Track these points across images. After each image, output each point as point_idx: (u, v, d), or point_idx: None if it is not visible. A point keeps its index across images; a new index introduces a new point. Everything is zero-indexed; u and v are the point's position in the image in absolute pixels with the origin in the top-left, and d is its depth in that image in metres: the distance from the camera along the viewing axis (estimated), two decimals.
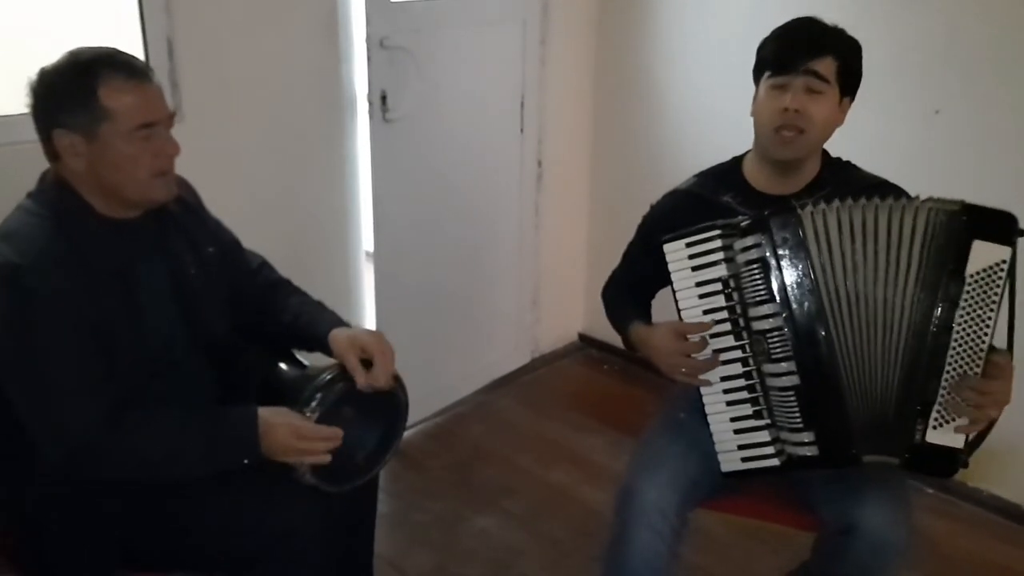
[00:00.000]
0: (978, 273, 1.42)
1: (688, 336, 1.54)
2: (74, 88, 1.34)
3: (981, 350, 1.44)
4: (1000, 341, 1.49)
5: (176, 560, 1.53)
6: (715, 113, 2.75)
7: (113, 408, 1.36)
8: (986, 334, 1.43)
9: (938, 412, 1.47)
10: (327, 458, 1.43)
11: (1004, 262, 1.41)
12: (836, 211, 1.46)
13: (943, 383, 1.45)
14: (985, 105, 2.28)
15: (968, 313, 1.43)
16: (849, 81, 1.61)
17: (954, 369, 1.45)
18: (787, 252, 1.46)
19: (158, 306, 1.47)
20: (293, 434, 1.40)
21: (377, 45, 2.33)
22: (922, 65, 2.34)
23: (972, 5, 2.24)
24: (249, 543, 1.46)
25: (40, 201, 1.41)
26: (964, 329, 1.43)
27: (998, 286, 1.42)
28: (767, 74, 1.61)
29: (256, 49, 2.22)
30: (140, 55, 2.01)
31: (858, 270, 1.46)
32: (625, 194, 3.06)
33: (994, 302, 1.42)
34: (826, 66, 1.57)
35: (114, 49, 1.40)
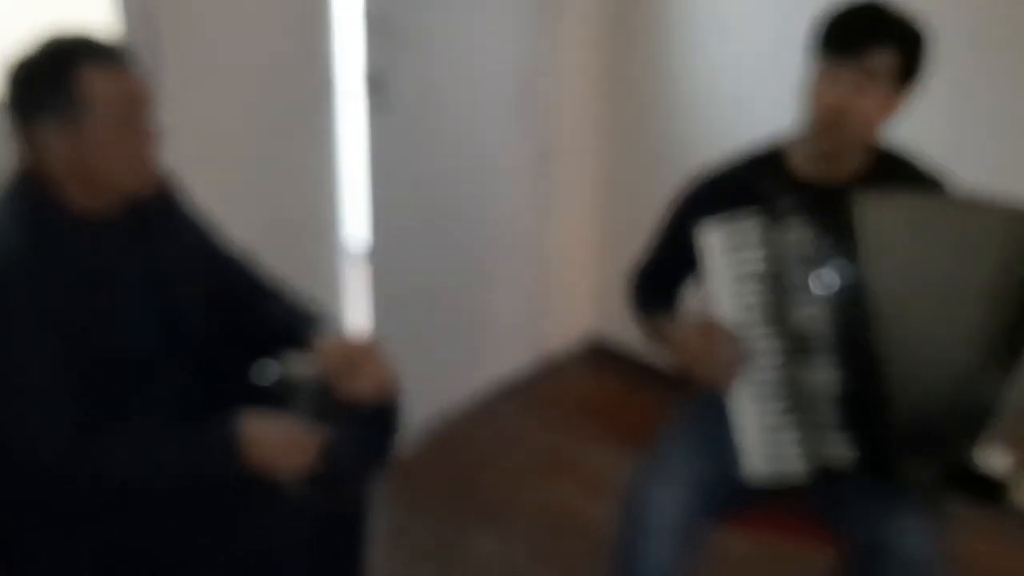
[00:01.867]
0: None
1: (722, 339, 1.49)
2: (53, 79, 1.32)
3: None
4: None
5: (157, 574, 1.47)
6: (730, 97, 2.66)
7: (86, 417, 1.34)
8: None
9: (995, 439, 1.42)
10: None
11: None
12: (897, 206, 1.41)
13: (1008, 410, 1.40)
14: (1004, 90, 2.19)
15: None
16: (908, 75, 1.52)
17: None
18: (836, 250, 1.41)
19: (135, 307, 1.46)
20: (282, 438, 1.39)
21: (375, 30, 2.24)
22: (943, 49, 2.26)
23: None
24: (235, 559, 1.43)
25: (12, 195, 1.38)
26: None
27: None
28: (818, 55, 1.53)
29: (243, 29, 2.13)
30: (120, 31, 1.92)
31: (917, 271, 1.40)
32: (639, 192, 2.95)
33: None
34: (884, 60, 1.47)
35: (91, 35, 1.38)
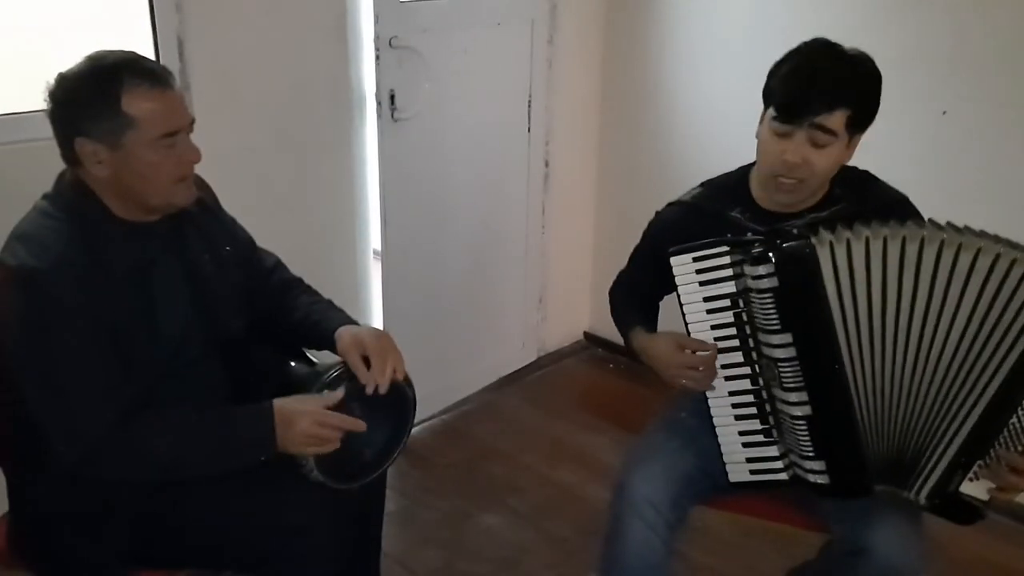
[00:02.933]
0: None
1: (691, 350, 1.51)
2: (97, 96, 1.33)
3: None
4: None
5: (186, 557, 1.54)
6: (724, 115, 2.75)
7: (127, 410, 1.35)
8: None
9: (979, 467, 1.40)
10: (336, 444, 1.43)
11: None
12: (864, 240, 1.35)
13: (999, 442, 1.38)
14: (992, 106, 2.27)
15: None
16: (862, 123, 1.50)
17: (1013, 434, 1.37)
18: (800, 283, 1.37)
19: (174, 307, 1.47)
20: (315, 422, 1.40)
21: (386, 45, 2.34)
22: (929, 66, 2.32)
23: (977, 5, 2.23)
24: (259, 540, 1.47)
25: (57, 204, 1.40)
26: None
27: None
28: (771, 113, 1.50)
29: (266, 48, 2.23)
30: (151, 54, 2.03)
31: (888, 302, 1.36)
32: (632, 194, 3.06)
33: None
34: (835, 120, 1.45)
35: (135, 54, 1.39)
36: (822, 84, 1.45)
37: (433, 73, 2.49)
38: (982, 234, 1.35)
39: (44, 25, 2.06)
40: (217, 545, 1.50)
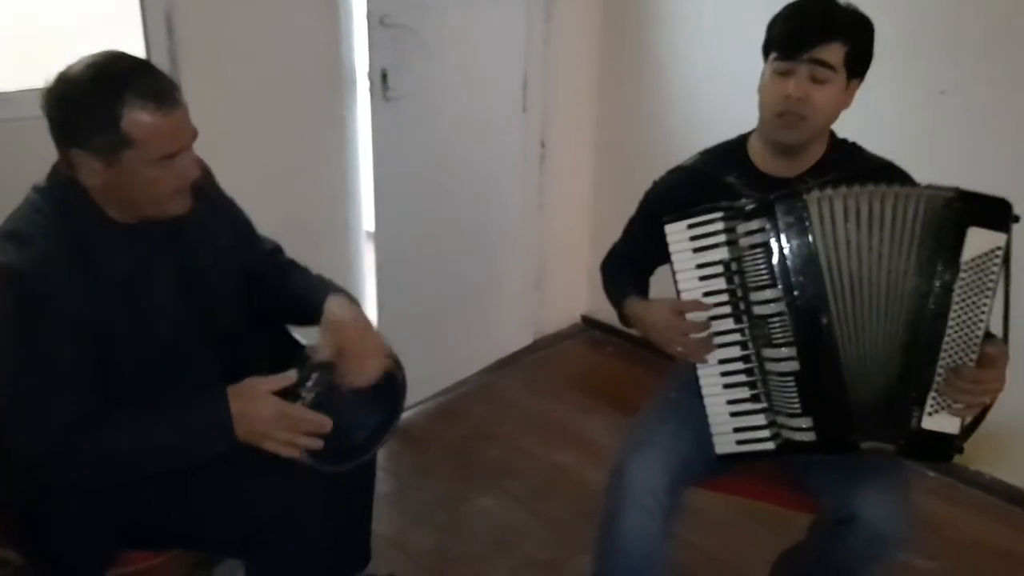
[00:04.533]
0: (973, 260, 1.40)
1: (686, 314, 1.53)
2: (97, 112, 1.27)
3: (976, 337, 1.43)
4: (996, 327, 1.48)
5: (176, 538, 1.54)
6: (723, 92, 2.73)
7: (81, 415, 1.33)
8: (982, 321, 1.42)
9: (934, 399, 1.47)
10: (318, 443, 1.40)
11: (999, 249, 1.40)
12: (843, 197, 1.43)
13: (939, 370, 1.45)
14: (990, 86, 2.26)
15: (963, 300, 1.42)
16: (858, 65, 1.57)
17: (949, 356, 1.44)
18: (791, 237, 1.44)
19: (170, 303, 1.45)
20: (279, 418, 1.37)
21: (378, 22, 2.31)
22: (928, 46, 2.31)
23: None
24: (249, 521, 1.46)
25: (49, 199, 1.37)
26: (959, 316, 1.42)
27: (993, 273, 1.41)
28: (773, 56, 1.57)
29: (256, 27, 2.21)
30: (139, 32, 2.01)
31: (862, 256, 1.44)
32: (630, 174, 2.97)
33: (990, 289, 1.41)
34: (833, 53, 1.52)
35: (143, 65, 1.35)
36: (818, 17, 1.54)
37: (426, 52, 2.47)
38: (930, 186, 1.45)
39: (29, 4, 2.04)
40: (205, 527, 1.50)
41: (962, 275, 1.41)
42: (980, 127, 2.30)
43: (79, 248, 1.33)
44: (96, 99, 1.28)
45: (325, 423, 1.39)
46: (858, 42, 1.55)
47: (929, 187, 1.45)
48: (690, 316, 1.53)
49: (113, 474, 1.38)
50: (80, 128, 1.29)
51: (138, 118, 1.28)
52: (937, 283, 1.42)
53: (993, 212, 1.40)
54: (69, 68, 1.30)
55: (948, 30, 2.28)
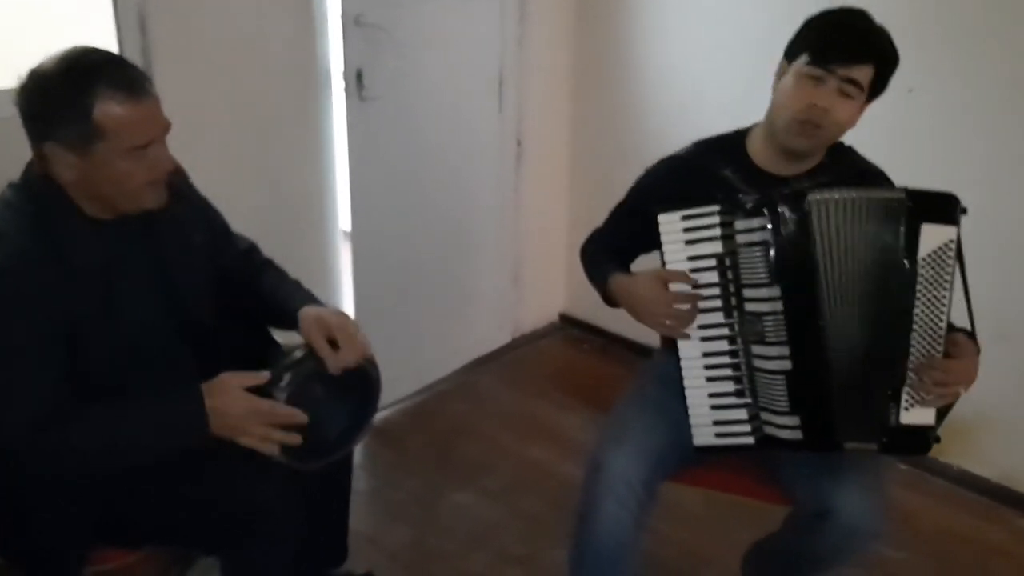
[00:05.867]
0: (930, 255, 1.44)
1: (670, 285, 1.53)
2: (68, 104, 1.28)
3: (940, 330, 1.46)
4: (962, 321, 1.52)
5: (151, 536, 1.54)
6: (698, 92, 2.76)
7: (52, 409, 1.32)
8: (943, 313, 1.46)
9: (908, 394, 1.49)
10: (296, 438, 1.40)
11: (952, 242, 1.44)
12: (836, 201, 1.44)
13: (910, 365, 1.47)
14: (956, 83, 2.29)
15: (925, 295, 1.45)
16: (878, 88, 1.58)
17: (918, 351, 1.47)
18: (792, 238, 1.44)
19: (141, 300, 1.45)
20: (252, 414, 1.37)
21: (352, 22, 2.32)
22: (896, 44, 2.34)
23: None
24: (223, 518, 1.47)
25: (23, 196, 1.37)
26: (923, 311, 1.45)
27: (949, 266, 1.44)
28: (805, 59, 1.55)
29: (230, 26, 2.21)
30: (112, 30, 2.00)
31: (849, 259, 1.46)
32: (605, 173, 3.07)
33: (947, 281, 1.44)
34: (865, 73, 1.53)
35: (112, 56, 1.35)
36: (860, 36, 1.55)
37: (401, 51, 2.47)
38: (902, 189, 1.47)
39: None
40: (179, 524, 1.50)
41: (921, 271, 1.44)
42: (948, 123, 2.33)
43: (52, 244, 1.33)
44: (67, 90, 1.28)
45: (298, 416, 1.40)
46: (886, 68, 1.57)
47: (885, 189, 1.49)
48: (674, 288, 1.53)
49: (85, 468, 1.38)
50: (52, 120, 1.29)
51: (109, 108, 1.28)
52: (900, 281, 1.45)
53: (942, 207, 1.44)
54: (40, 64, 1.31)
55: (912, 29, 2.29)
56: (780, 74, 1.61)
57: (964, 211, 1.44)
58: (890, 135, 2.38)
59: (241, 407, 1.38)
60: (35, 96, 1.30)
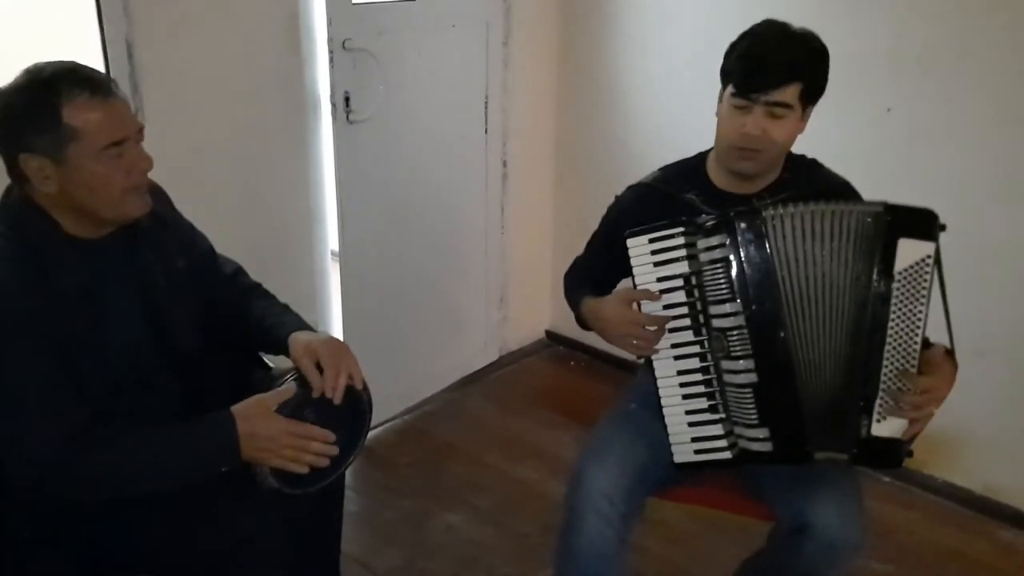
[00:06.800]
0: (906, 270, 1.45)
1: (638, 305, 1.55)
2: (36, 109, 1.29)
3: (915, 344, 1.48)
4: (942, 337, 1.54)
5: (138, 565, 1.52)
6: (680, 114, 2.79)
7: (81, 428, 1.33)
8: (918, 328, 1.47)
9: (880, 407, 1.50)
10: (324, 461, 1.43)
11: (929, 257, 1.45)
12: (797, 215, 1.47)
13: (882, 379, 1.48)
14: (933, 103, 2.34)
15: (900, 309, 1.46)
16: (814, 95, 1.61)
17: (891, 365, 1.48)
18: (750, 253, 1.47)
19: (126, 324, 1.45)
20: (285, 435, 1.39)
21: (339, 47, 2.34)
22: (873, 66, 2.39)
23: (918, 6, 2.30)
24: (212, 548, 1.46)
25: (4, 220, 1.37)
26: (898, 325, 1.47)
27: (926, 281, 1.46)
28: (731, 89, 1.59)
29: (217, 51, 2.22)
30: (100, 59, 2.01)
31: (810, 271, 1.48)
32: (590, 193, 3.07)
33: (924, 297, 1.46)
34: (791, 93, 1.56)
35: (75, 63, 1.36)
36: (776, 64, 1.56)
37: (387, 75, 2.50)
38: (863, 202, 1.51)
39: None
40: (170, 553, 1.49)
41: (896, 285, 1.45)
42: (926, 142, 2.37)
43: (35, 268, 1.33)
44: (33, 98, 1.30)
45: (330, 437, 1.43)
46: (814, 78, 1.59)
47: (861, 203, 1.50)
48: (645, 307, 1.55)
49: (112, 491, 1.38)
50: (23, 131, 1.30)
51: (77, 109, 1.30)
52: (874, 295, 1.46)
53: (920, 223, 1.46)
54: (5, 84, 1.33)
55: (891, 49, 2.36)
56: (720, 99, 1.64)
57: (943, 227, 1.46)
58: (868, 154, 2.43)
59: (276, 428, 1.39)
60: (2, 110, 1.31)
